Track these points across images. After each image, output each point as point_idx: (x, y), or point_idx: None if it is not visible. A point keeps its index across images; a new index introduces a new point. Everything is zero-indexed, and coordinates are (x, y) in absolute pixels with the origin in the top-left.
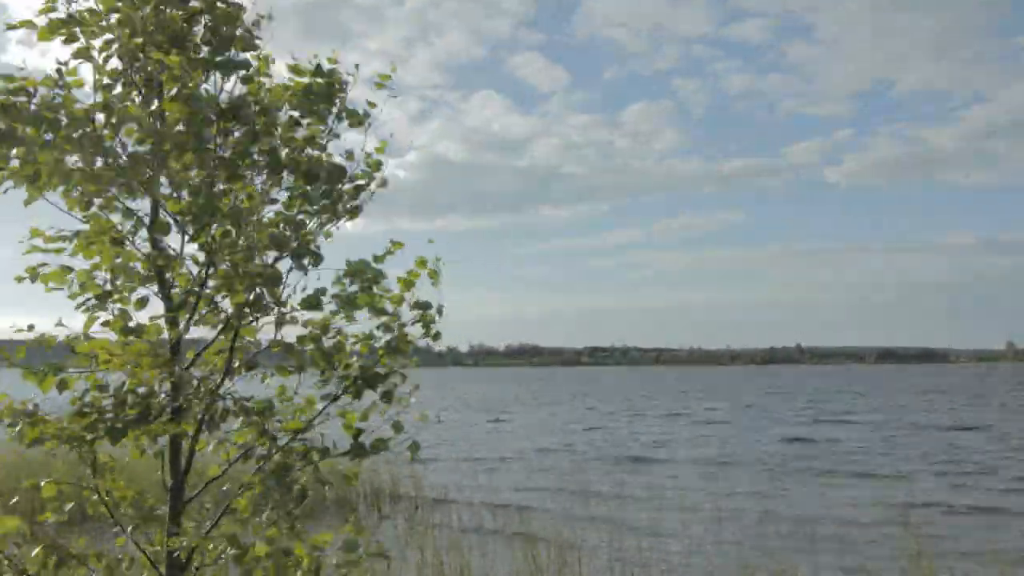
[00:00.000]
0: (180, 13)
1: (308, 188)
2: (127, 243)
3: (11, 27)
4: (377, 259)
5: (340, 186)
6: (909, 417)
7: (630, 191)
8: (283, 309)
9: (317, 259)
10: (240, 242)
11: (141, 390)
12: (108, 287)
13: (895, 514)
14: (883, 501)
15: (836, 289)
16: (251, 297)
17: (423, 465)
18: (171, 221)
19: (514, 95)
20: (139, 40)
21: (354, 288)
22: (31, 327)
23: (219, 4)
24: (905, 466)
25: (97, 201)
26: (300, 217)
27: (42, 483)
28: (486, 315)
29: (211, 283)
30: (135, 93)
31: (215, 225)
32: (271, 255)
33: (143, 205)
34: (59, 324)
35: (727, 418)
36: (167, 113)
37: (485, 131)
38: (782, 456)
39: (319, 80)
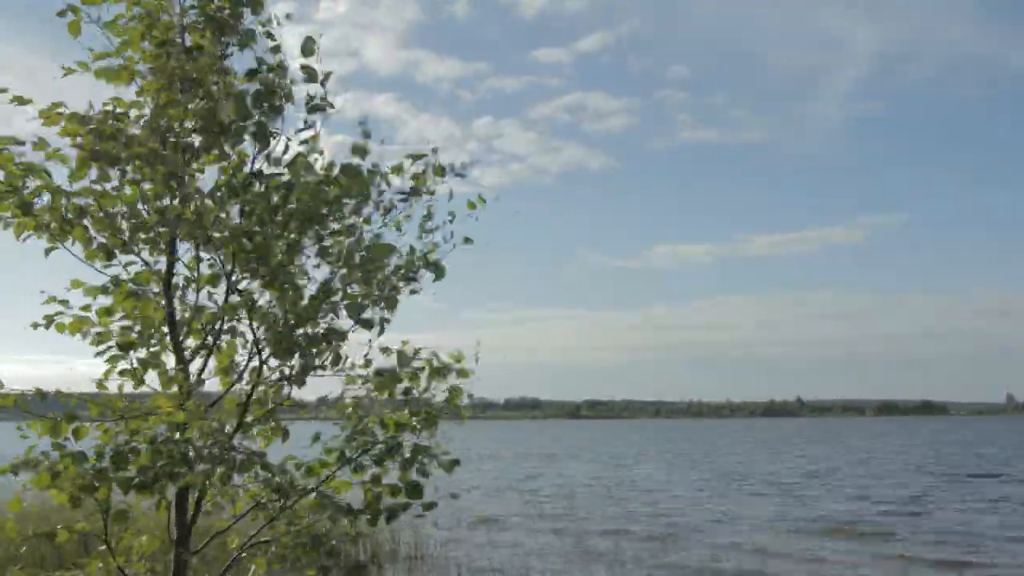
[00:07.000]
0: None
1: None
2: (147, 296)
3: (68, 71)
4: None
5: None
6: None
7: None
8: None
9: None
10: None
11: (176, 439)
12: (135, 337)
13: None
14: None
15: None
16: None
17: None
18: (190, 275)
19: None
20: (173, 97)
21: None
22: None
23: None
24: None
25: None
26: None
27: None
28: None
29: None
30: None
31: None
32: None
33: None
34: (57, 391)
35: None
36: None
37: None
38: None
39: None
